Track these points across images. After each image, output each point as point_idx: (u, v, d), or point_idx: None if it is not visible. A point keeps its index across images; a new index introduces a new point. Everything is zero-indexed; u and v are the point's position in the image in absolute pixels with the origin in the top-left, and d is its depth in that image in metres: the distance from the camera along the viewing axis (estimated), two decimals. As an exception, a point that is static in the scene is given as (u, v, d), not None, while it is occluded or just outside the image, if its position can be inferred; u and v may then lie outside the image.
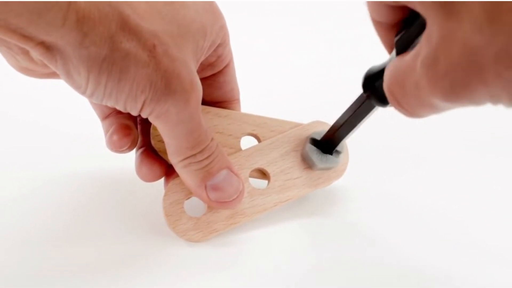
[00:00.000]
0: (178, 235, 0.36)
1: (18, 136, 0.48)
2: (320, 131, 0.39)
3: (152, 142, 0.37)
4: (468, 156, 0.46)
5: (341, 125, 0.36)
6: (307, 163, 0.38)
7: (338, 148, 0.38)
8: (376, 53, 0.66)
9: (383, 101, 0.31)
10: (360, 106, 0.34)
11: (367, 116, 0.34)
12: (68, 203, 0.40)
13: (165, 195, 0.36)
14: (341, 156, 0.38)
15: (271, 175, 0.38)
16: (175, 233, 0.36)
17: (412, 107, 0.26)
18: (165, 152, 0.35)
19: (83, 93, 0.30)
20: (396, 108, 0.27)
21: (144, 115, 0.31)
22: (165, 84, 0.30)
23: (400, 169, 0.45)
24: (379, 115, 0.50)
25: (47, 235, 0.37)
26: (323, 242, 0.37)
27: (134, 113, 0.31)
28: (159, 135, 0.35)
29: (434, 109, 0.25)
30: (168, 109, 0.31)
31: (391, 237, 0.38)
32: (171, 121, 0.32)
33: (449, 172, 0.44)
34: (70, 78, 0.29)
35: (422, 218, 0.39)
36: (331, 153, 0.38)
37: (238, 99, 0.39)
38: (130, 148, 0.37)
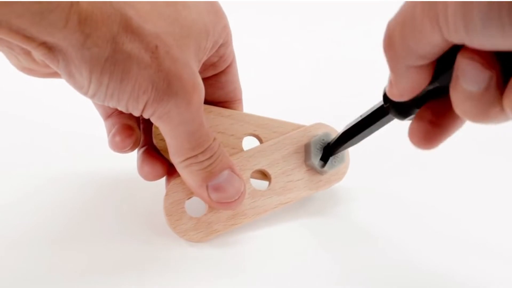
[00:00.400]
0: (179, 235, 0.36)
1: (19, 135, 0.48)
2: (322, 133, 0.39)
3: (154, 141, 0.37)
4: (470, 156, 0.46)
5: (352, 132, 0.35)
6: (306, 155, 0.38)
7: (336, 159, 0.38)
8: (379, 54, 0.66)
9: (403, 114, 0.30)
10: (376, 116, 0.33)
11: (381, 126, 0.33)
12: (68, 203, 0.40)
13: (166, 194, 0.36)
14: (333, 168, 0.38)
15: (272, 176, 0.38)
16: (176, 233, 0.36)
17: (394, 40, 0.24)
18: (167, 151, 0.35)
19: (85, 93, 0.30)
20: (385, 52, 0.25)
21: (146, 116, 0.31)
22: (167, 85, 0.30)
23: (402, 170, 0.45)
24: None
25: (47, 234, 0.37)
26: (324, 242, 0.37)
27: (136, 114, 0.31)
28: (161, 134, 0.35)
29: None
30: (170, 110, 0.31)
31: (393, 238, 0.38)
32: (172, 122, 0.32)
33: (451, 173, 0.44)
34: (72, 79, 0.29)
35: (425, 218, 0.39)
36: (327, 158, 0.38)
37: (240, 99, 0.39)
38: (132, 149, 0.37)
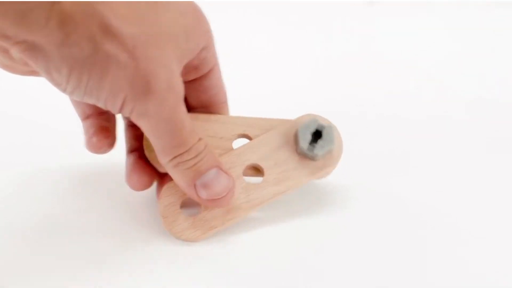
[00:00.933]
0: (176, 235, 0.36)
1: (16, 132, 0.49)
2: (309, 120, 0.38)
3: (146, 152, 0.38)
4: (469, 155, 0.46)
5: None
6: (295, 144, 0.38)
7: (325, 141, 0.38)
8: (369, 52, 0.65)
9: None
10: None
11: None
12: (67, 200, 0.40)
13: (160, 198, 0.36)
14: (323, 150, 0.38)
15: (264, 169, 0.38)
16: (173, 234, 0.36)
17: None
18: (157, 161, 0.36)
19: (64, 90, 0.31)
20: None
21: (125, 114, 0.32)
22: (144, 84, 0.31)
23: (402, 168, 0.44)
24: (380, 113, 0.51)
25: (45, 233, 0.37)
26: (322, 241, 0.37)
27: (115, 111, 0.32)
28: (151, 145, 0.36)
29: None
30: (147, 109, 0.32)
31: (393, 237, 0.37)
32: (152, 120, 0.32)
33: (451, 172, 0.44)
34: (50, 76, 0.30)
35: (423, 217, 0.39)
36: (316, 141, 0.38)
37: (225, 102, 0.40)
38: (108, 149, 0.38)
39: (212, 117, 0.39)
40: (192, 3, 0.35)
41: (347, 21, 0.70)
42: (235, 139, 0.39)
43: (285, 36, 0.68)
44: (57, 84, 0.30)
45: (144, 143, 0.37)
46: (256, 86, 0.56)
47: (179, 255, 0.35)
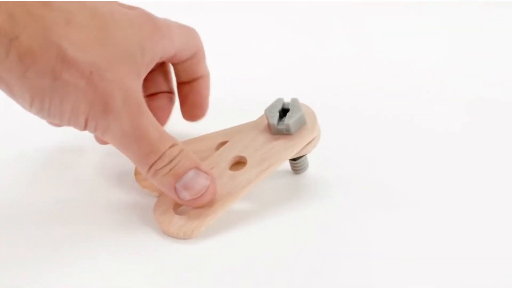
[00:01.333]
0: (174, 235, 0.37)
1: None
2: (274, 101, 0.39)
3: (138, 184, 0.40)
4: (468, 155, 0.46)
5: None
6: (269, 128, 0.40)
7: (293, 112, 0.39)
8: (365, 50, 0.65)
9: None
10: None
11: None
12: (66, 196, 0.41)
13: (154, 209, 0.38)
14: (292, 119, 0.39)
15: (246, 157, 0.39)
16: (171, 234, 0.37)
17: None
18: (151, 189, 0.39)
19: (29, 111, 0.34)
20: None
21: (90, 131, 0.35)
22: (103, 104, 0.33)
23: (398, 166, 0.44)
24: (380, 113, 0.51)
25: (43, 231, 0.38)
26: (317, 235, 0.38)
27: (80, 129, 0.35)
28: (140, 175, 0.39)
29: None
30: (109, 125, 0.34)
31: (383, 229, 0.38)
32: (116, 134, 0.35)
33: (450, 171, 0.44)
34: (15, 99, 0.33)
35: (417, 212, 0.39)
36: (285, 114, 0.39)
37: (204, 76, 0.43)
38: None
39: (191, 140, 0.42)
40: (144, 13, 0.37)
41: (347, 21, 0.70)
42: (216, 148, 0.41)
43: (285, 36, 0.68)
44: (22, 106, 0.33)
45: (135, 178, 0.40)
46: (254, 86, 0.56)
47: (175, 254, 0.36)
